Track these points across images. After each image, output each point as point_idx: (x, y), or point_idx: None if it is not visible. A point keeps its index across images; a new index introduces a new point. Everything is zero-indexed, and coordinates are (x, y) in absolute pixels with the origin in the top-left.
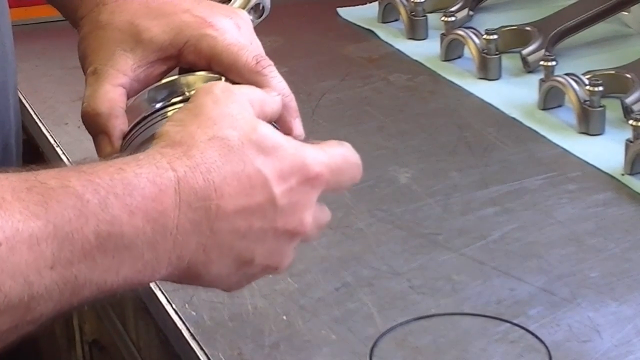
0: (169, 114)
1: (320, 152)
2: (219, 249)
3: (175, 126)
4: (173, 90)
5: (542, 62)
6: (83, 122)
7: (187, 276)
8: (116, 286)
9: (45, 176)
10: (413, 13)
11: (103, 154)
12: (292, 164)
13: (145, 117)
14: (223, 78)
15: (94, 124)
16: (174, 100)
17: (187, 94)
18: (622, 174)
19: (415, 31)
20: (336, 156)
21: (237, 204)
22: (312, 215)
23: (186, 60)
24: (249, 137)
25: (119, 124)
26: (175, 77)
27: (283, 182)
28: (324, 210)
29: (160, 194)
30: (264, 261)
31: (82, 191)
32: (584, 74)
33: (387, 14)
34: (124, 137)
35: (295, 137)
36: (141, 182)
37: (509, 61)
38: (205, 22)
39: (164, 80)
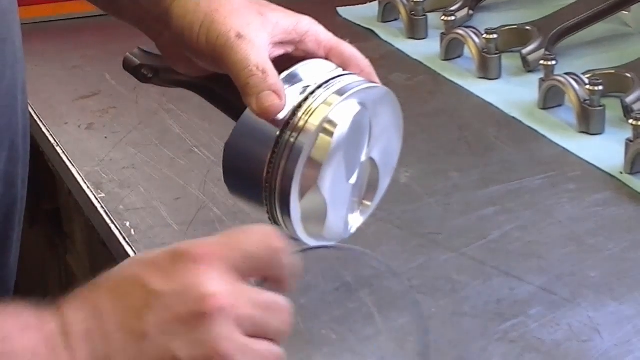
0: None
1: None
2: (123, 353)
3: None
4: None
5: (542, 62)
6: (246, 84)
7: None
8: None
9: None
10: (413, 12)
11: (270, 104)
12: (165, 255)
13: (307, 96)
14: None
15: (262, 85)
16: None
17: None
18: (621, 172)
19: (415, 30)
20: (228, 233)
21: (117, 311)
22: (220, 291)
23: (305, 48)
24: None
25: (284, 87)
26: (307, 61)
27: (159, 271)
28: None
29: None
30: (198, 353)
31: None
32: (584, 74)
33: (387, 14)
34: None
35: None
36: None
37: (509, 61)
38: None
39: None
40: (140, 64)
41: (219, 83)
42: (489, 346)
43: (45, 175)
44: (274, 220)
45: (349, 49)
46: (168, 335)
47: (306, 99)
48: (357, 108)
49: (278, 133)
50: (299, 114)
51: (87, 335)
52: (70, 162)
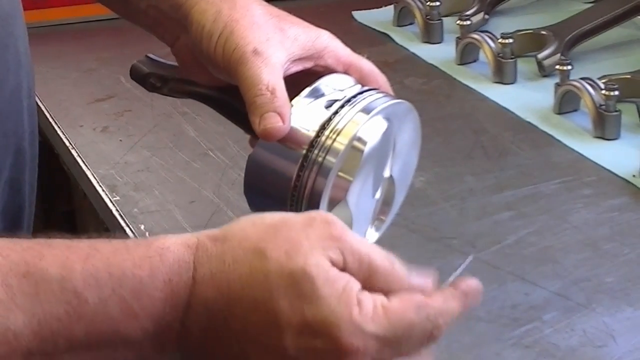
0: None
1: (376, 318)
2: (223, 350)
3: (248, 221)
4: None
5: (557, 66)
6: (253, 102)
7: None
8: None
9: (48, 261)
10: (428, 17)
11: (272, 127)
12: (322, 324)
13: (335, 112)
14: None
15: (268, 105)
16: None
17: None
18: (634, 176)
19: (431, 35)
20: (398, 324)
21: (245, 331)
22: None
23: (325, 64)
24: (292, 270)
25: (289, 110)
26: (329, 75)
27: (302, 336)
28: None
29: (172, 296)
30: None
31: (82, 288)
32: (599, 78)
33: (403, 18)
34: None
35: None
36: (154, 282)
37: (524, 65)
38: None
39: (322, 80)
40: (149, 73)
41: (233, 95)
42: (503, 351)
43: (60, 177)
44: None
45: (367, 65)
46: None
47: (335, 113)
48: (385, 125)
49: (305, 150)
50: (327, 132)
51: (208, 322)
52: (85, 164)
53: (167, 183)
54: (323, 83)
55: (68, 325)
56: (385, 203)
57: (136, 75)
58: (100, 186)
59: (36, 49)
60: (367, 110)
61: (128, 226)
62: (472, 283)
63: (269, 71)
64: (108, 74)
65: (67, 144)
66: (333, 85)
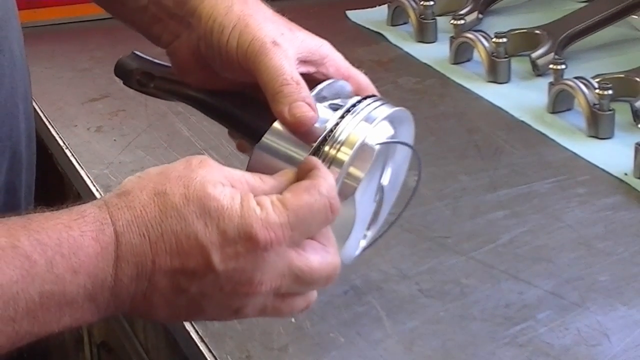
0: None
1: (276, 210)
2: (161, 296)
3: (136, 176)
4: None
5: (551, 66)
6: (279, 91)
7: (135, 314)
8: (55, 332)
9: None
10: (422, 16)
11: (303, 116)
12: (237, 231)
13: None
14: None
15: (296, 95)
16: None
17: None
18: (625, 174)
19: (425, 34)
20: (297, 209)
21: (173, 263)
22: (270, 277)
23: (326, 72)
24: (197, 196)
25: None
26: (331, 81)
27: (225, 248)
28: (312, 253)
29: (102, 252)
30: (219, 312)
31: (31, 251)
32: (593, 78)
33: (397, 17)
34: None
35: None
36: (85, 241)
37: (518, 64)
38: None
39: (324, 84)
40: (135, 69)
41: (221, 98)
42: (497, 350)
43: (54, 177)
44: None
45: (365, 80)
46: (206, 300)
47: (342, 116)
48: (392, 130)
49: (315, 146)
50: (338, 131)
51: (137, 269)
52: (79, 164)
53: None
54: (326, 87)
55: (24, 287)
56: (374, 214)
57: (121, 71)
58: (94, 186)
59: (30, 49)
60: (373, 117)
61: None
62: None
63: (289, 63)
64: (102, 73)
65: (61, 143)
66: (336, 91)
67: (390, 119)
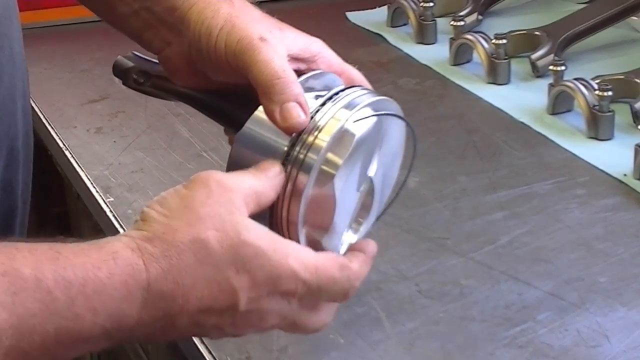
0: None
1: (305, 265)
2: (177, 330)
3: (161, 215)
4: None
5: (551, 67)
6: (270, 87)
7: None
8: None
9: (20, 262)
10: (422, 17)
11: (294, 122)
12: (266, 276)
13: (324, 103)
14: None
15: (287, 91)
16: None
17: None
18: (625, 175)
19: (424, 35)
20: (323, 276)
21: (201, 305)
22: (278, 317)
23: (317, 68)
24: (231, 244)
25: (305, 98)
26: (319, 73)
27: (251, 292)
28: (319, 313)
29: (129, 296)
30: (221, 336)
31: (54, 287)
32: (593, 79)
33: (396, 18)
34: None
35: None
36: (112, 283)
37: (518, 66)
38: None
39: (312, 74)
40: (132, 67)
41: (216, 96)
42: (497, 351)
43: (54, 178)
44: (277, 226)
45: (358, 76)
46: (216, 329)
47: (323, 104)
48: (374, 118)
49: (294, 136)
50: (317, 118)
51: (163, 312)
52: (79, 165)
53: (161, 184)
54: (312, 77)
55: (42, 321)
56: (364, 208)
57: (118, 70)
58: (94, 187)
59: (30, 50)
60: (363, 99)
61: (122, 227)
62: (373, 246)
63: (280, 57)
64: (102, 75)
65: (61, 145)
66: (325, 83)
67: (374, 108)
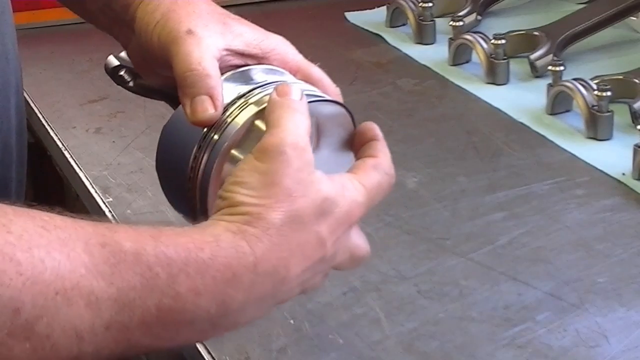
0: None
1: (361, 191)
2: (276, 302)
3: (250, 197)
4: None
5: (550, 67)
6: (183, 79)
7: None
8: (166, 348)
9: (122, 236)
10: (421, 18)
11: (202, 116)
12: (343, 218)
13: (244, 94)
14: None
15: (199, 84)
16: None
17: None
18: (623, 174)
19: (423, 36)
20: (373, 190)
21: (298, 269)
22: (347, 252)
23: (268, 64)
24: (314, 203)
25: (221, 91)
26: (265, 66)
27: (333, 235)
28: (361, 237)
29: (233, 279)
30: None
31: (154, 263)
32: (592, 79)
33: (395, 19)
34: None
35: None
36: (216, 265)
37: (517, 66)
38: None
39: (255, 67)
40: (119, 65)
41: None
42: (496, 352)
43: (53, 179)
44: (192, 215)
45: (317, 73)
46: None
47: (243, 95)
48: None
49: (204, 132)
50: (231, 110)
51: (271, 286)
52: (78, 166)
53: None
54: (255, 71)
55: (142, 295)
56: None
57: (108, 67)
58: (93, 187)
59: (28, 50)
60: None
61: None
62: (375, 127)
63: (202, 49)
64: (101, 75)
65: (60, 145)
66: (256, 78)
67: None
